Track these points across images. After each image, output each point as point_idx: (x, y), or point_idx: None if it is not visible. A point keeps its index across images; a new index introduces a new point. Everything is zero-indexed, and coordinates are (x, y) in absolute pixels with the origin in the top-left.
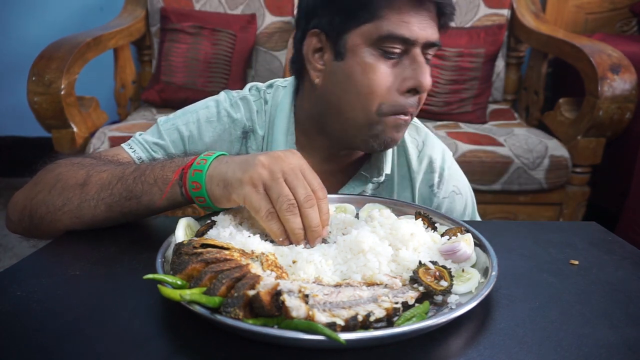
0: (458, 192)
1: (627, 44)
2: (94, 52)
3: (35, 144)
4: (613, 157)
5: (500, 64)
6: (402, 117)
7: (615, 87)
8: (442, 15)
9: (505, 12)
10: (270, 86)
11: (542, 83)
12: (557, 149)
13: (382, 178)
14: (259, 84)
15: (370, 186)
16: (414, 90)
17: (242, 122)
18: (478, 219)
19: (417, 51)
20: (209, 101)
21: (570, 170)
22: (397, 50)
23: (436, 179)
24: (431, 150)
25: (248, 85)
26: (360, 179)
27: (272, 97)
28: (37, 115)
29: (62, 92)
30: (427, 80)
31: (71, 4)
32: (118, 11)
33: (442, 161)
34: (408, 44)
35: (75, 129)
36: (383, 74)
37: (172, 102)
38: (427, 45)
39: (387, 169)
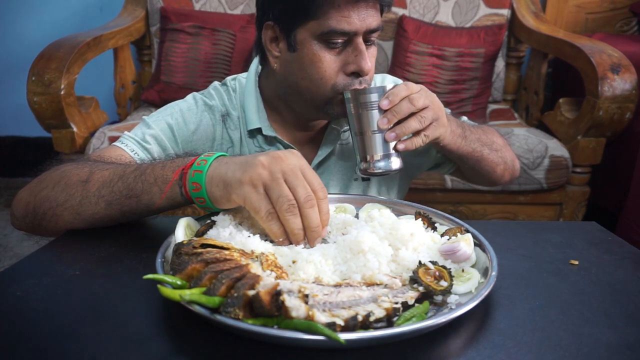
0: None
1: (627, 44)
2: (93, 52)
3: (35, 144)
4: (613, 157)
5: (500, 64)
6: None
7: (615, 87)
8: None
9: (505, 12)
10: (234, 79)
11: (542, 83)
12: (557, 149)
13: None
14: (224, 80)
15: (342, 137)
16: (357, 74)
17: (218, 108)
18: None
19: (359, 40)
20: (185, 98)
21: (570, 170)
22: (340, 41)
23: None
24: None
25: (214, 83)
26: (332, 132)
27: (238, 85)
28: (37, 115)
29: (62, 92)
30: (366, 65)
31: (71, 4)
32: (118, 11)
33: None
34: (349, 35)
35: (75, 129)
36: (329, 62)
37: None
38: (368, 32)
39: None
